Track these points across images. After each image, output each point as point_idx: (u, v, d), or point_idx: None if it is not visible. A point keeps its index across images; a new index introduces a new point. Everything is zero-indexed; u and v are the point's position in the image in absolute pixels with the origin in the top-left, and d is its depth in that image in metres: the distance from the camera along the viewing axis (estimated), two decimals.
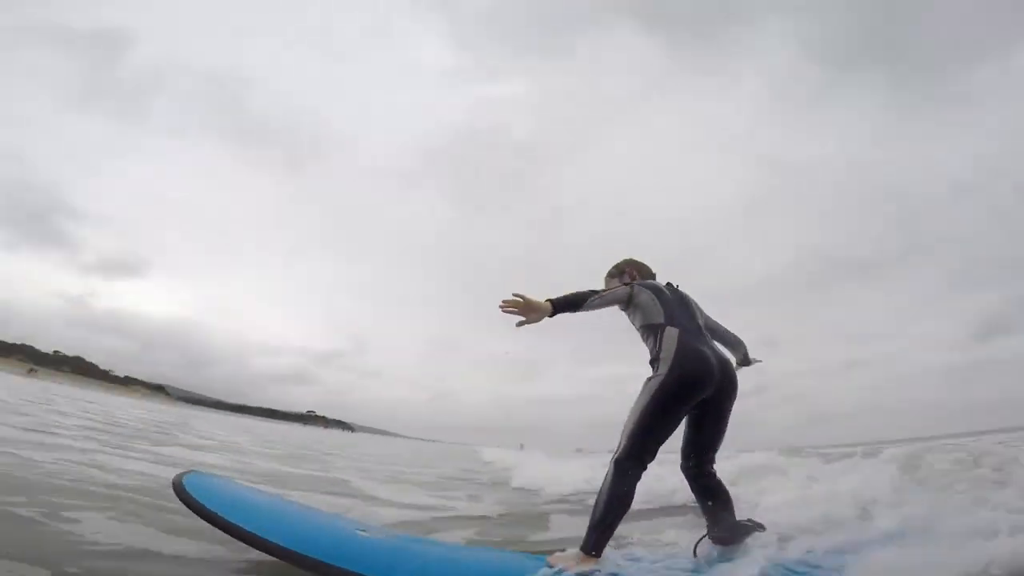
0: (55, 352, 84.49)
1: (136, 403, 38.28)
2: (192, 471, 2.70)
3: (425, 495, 6.23)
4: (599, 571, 2.04)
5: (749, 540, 2.16)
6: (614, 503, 2.07)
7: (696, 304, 2.54)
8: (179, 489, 2.33)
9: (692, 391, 2.15)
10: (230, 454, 8.34)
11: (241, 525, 2.13)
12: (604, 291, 2.41)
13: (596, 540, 2.06)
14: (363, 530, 2.55)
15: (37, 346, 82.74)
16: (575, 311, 2.25)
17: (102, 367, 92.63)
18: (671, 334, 2.23)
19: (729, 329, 2.63)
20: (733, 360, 2.48)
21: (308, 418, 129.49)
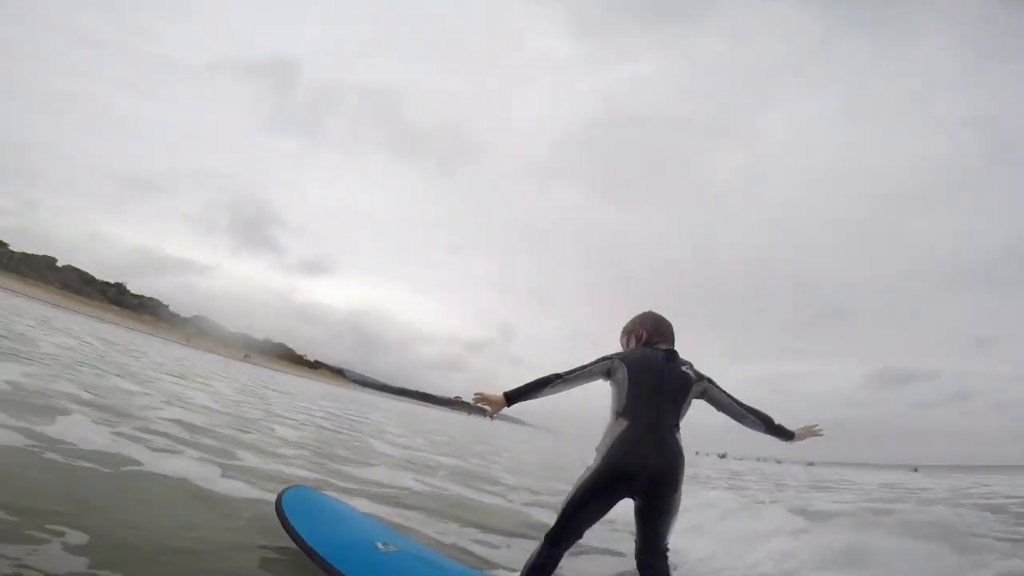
0: (265, 339, 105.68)
1: (327, 390, 45.87)
2: (293, 486, 3.18)
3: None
4: None
5: None
6: (531, 574, 2.14)
7: (687, 385, 2.22)
8: (278, 506, 2.79)
9: (615, 487, 2.09)
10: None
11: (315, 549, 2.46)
12: (576, 369, 2.30)
13: None
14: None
15: (253, 334, 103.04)
16: (534, 397, 2.29)
17: (298, 352, 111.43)
18: (619, 425, 2.15)
19: (753, 408, 2.32)
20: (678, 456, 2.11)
21: (455, 403, 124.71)
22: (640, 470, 2.04)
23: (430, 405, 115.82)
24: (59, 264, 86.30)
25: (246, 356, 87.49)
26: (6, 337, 9.79)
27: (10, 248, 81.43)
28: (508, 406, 2.27)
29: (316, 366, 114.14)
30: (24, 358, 7.55)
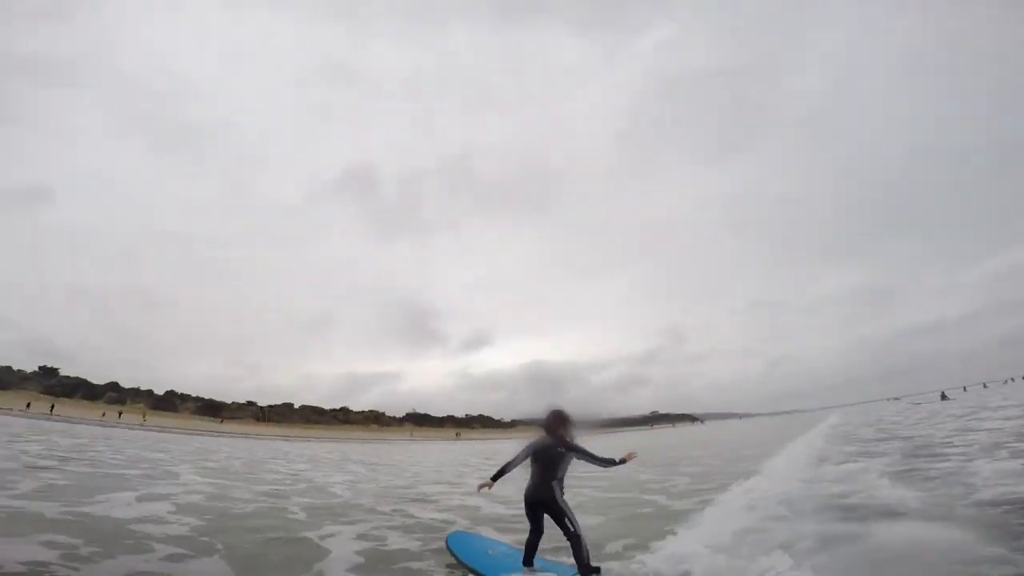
0: (466, 415, 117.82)
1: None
2: (456, 532, 5.28)
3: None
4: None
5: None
6: (527, 548, 4.38)
7: (557, 455, 4.25)
8: (447, 545, 4.49)
9: (529, 507, 4.32)
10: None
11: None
12: (516, 459, 4.36)
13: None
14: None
15: (455, 413, 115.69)
16: (505, 476, 4.32)
17: (495, 417, 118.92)
18: (530, 479, 4.35)
19: (596, 456, 4.34)
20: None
21: (653, 419, 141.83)
22: (531, 499, 4.29)
23: (628, 429, 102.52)
24: (296, 406, 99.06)
25: (457, 434, 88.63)
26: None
27: (258, 404, 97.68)
28: (492, 486, 4.41)
29: (513, 424, 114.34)
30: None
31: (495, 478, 4.38)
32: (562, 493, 4.25)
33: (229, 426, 65.86)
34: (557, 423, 4.41)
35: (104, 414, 54.27)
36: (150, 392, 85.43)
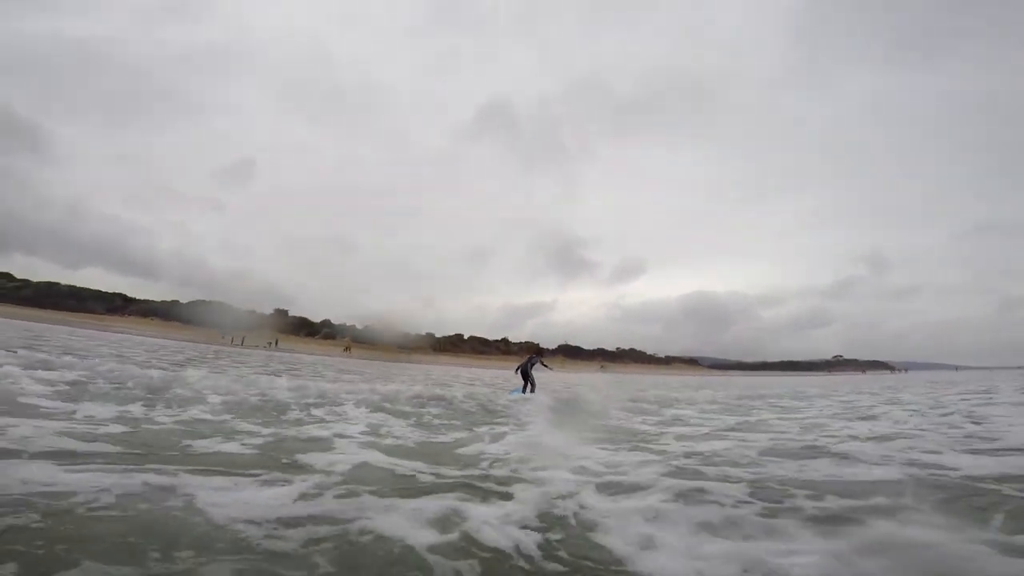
0: (617, 348, 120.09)
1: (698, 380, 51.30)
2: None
3: None
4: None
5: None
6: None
7: (533, 361, 14.97)
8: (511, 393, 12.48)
9: (521, 374, 14.66)
10: None
11: None
12: (521, 364, 14.94)
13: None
14: None
15: (606, 347, 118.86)
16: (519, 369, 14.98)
17: (648, 352, 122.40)
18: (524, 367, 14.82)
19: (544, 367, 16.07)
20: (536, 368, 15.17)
21: (835, 364, 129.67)
22: (521, 371, 14.81)
23: (802, 373, 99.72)
24: (465, 336, 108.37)
25: (602, 366, 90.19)
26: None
27: (435, 335, 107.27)
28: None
29: (669, 361, 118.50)
30: None
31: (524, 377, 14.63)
32: (532, 369, 14.74)
33: (415, 356, 77.29)
34: (533, 352, 15.96)
35: (347, 349, 68.43)
36: (353, 327, 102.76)
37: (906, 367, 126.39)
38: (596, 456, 5.21)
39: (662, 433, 7.40)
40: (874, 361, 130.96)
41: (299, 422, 6.43)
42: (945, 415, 9.58)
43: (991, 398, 13.69)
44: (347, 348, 70.26)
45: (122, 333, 44.58)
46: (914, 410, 10.85)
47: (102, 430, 4.74)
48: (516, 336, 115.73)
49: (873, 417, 9.77)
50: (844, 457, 5.30)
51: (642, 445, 6.14)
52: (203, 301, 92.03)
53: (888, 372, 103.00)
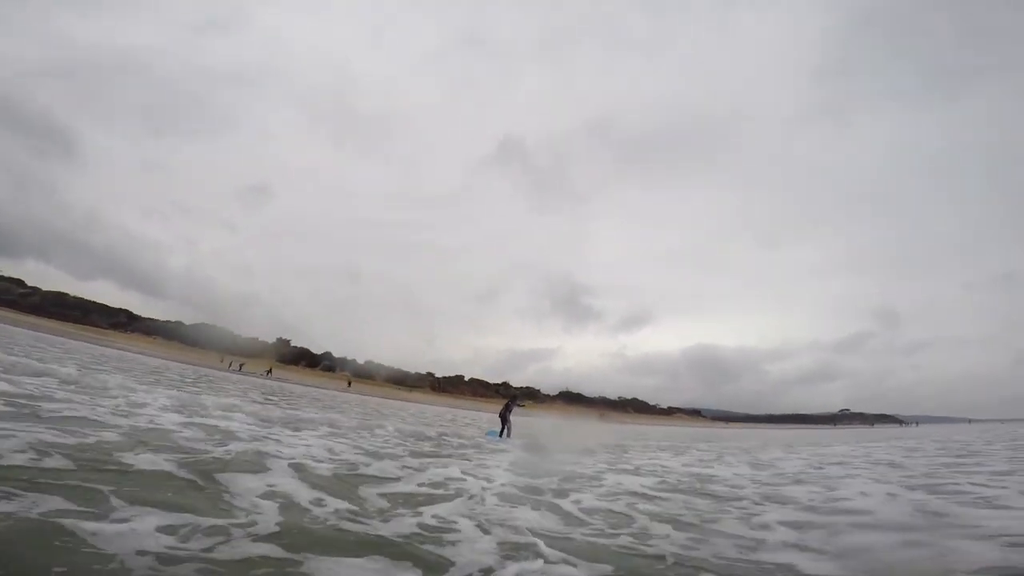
0: (619, 397, 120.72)
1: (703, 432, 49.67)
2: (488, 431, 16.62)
3: None
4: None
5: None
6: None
7: (511, 406, 16.09)
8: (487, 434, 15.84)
9: (501, 417, 15.66)
10: None
11: None
12: (504, 408, 16.01)
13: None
14: None
15: (608, 395, 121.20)
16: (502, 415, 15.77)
17: (650, 403, 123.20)
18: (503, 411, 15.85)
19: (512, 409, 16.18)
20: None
21: (841, 417, 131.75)
22: (501, 415, 15.92)
23: (809, 425, 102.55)
24: (466, 378, 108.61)
25: (601, 415, 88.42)
26: None
27: (435, 374, 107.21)
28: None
29: (671, 412, 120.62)
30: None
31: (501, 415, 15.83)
32: (510, 414, 15.68)
33: (414, 395, 76.43)
34: (510, 397, 17.77)
35: (350, 384, 69.21)
36: (354, 361, 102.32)
37: (916, 420, 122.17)
38: None
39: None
40: (882, 415, 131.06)
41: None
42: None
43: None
44: (349, 383, 70.29)
45: (121, 350, 44.50)
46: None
47: None
48: (517, 380, 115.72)
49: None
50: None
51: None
52: (206, 324, 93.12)
53: (896, 425, 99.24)
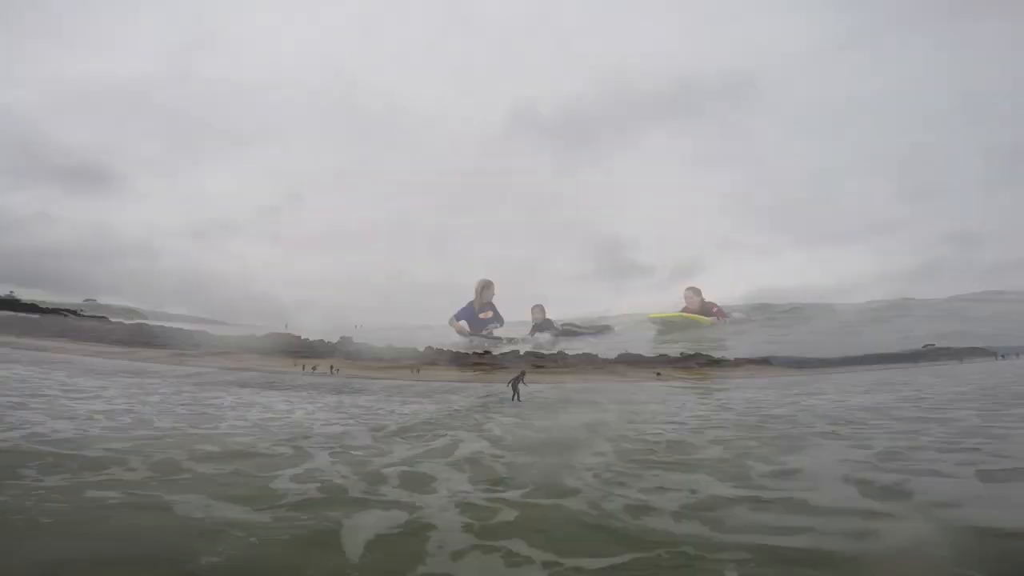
0: (681, 354, 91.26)
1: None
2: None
3: None
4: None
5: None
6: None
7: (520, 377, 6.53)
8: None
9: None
10: None
11: None
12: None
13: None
14: None
15: (668, 352, 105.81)
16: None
17: (714, 356, 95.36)
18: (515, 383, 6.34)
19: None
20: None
21: (925, 354, 16.64)
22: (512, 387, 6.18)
23: (888, 366, 47.30)
24: (521, 352, 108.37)
25: (658, 374, 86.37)
26: None
27: (492, 353, 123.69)
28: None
29: (738, 364, 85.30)
30: None
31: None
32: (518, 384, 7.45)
33: (475, 374, 78.48)
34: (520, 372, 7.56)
35: (418, 371, 72.73)
36: (414, 349, 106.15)
37: (1017, 352, 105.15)
38: None
39: None
40: (973, 348, 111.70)
41: None
42: None
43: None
44: (417, 370, 72.93)
45: (196, 367, 47.46)
46: None
47: None
48: (572, 348, 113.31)
49: None
50: None
51: None
52: (275, 333, 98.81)
53: (992, 359, 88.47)
